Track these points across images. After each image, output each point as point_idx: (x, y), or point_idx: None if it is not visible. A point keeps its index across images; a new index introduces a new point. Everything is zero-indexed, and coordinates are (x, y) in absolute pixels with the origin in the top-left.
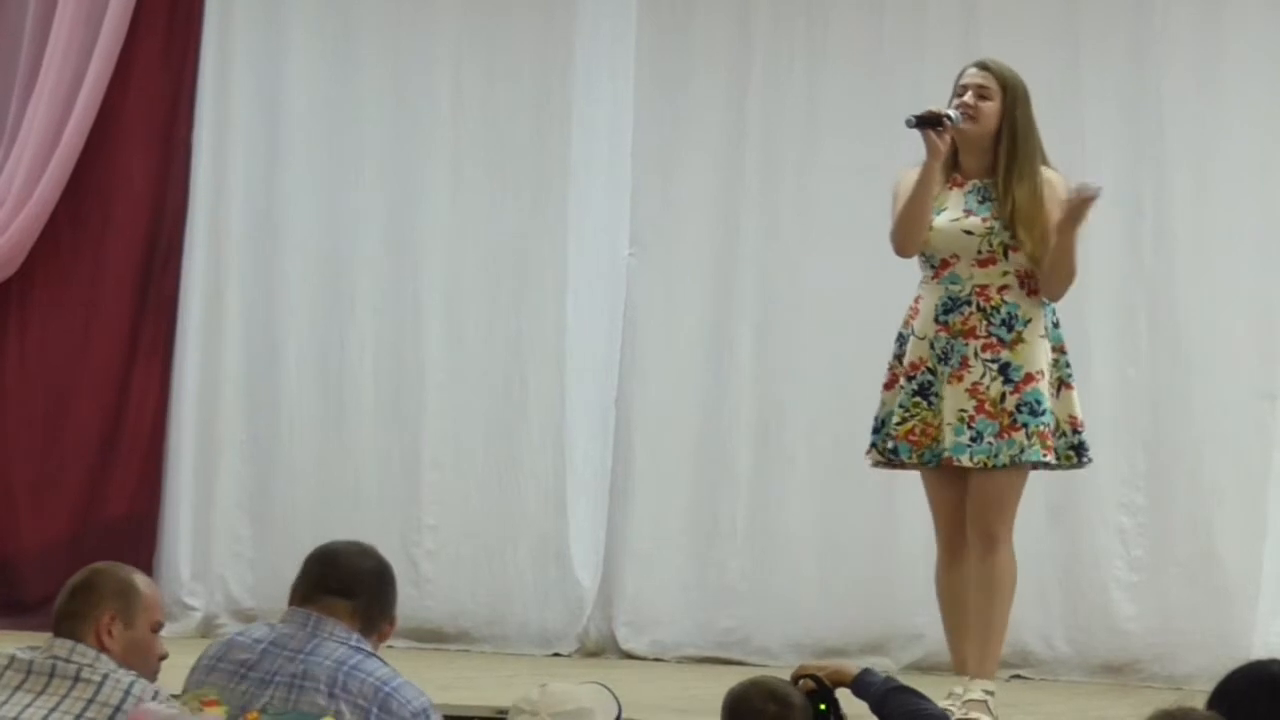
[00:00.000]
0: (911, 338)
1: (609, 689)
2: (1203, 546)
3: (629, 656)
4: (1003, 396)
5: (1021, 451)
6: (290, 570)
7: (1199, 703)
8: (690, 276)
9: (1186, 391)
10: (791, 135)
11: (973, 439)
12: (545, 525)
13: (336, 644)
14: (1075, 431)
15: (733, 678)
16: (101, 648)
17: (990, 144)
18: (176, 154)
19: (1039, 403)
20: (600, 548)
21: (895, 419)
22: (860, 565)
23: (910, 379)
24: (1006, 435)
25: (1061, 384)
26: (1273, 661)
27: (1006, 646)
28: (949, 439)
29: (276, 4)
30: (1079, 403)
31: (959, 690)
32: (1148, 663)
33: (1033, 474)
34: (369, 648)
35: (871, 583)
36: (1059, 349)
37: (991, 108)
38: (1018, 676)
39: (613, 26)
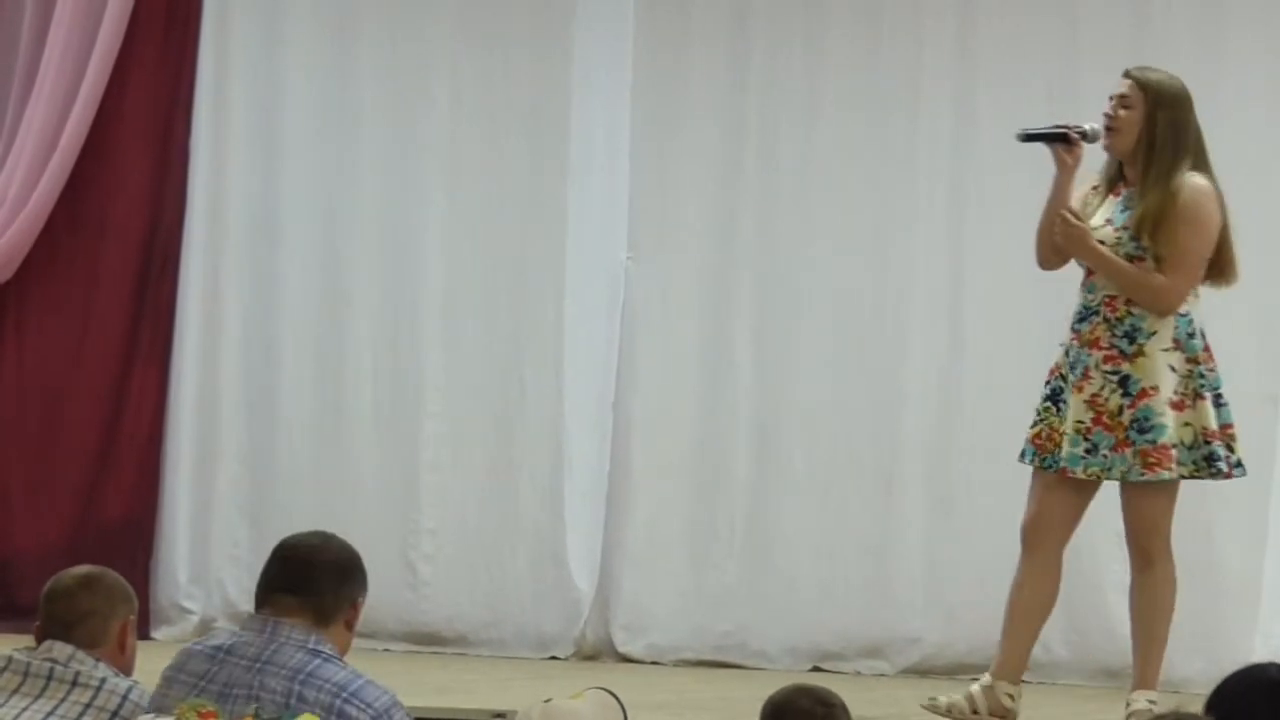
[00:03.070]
0: (1060, 345)
1: (615, 696)
2: (1203, 550)
3: (626, 660)
4: (1120, 409)
5: (1129, 470)
6: None
7: (1197, 707)
8: (688, 281)
9: None
10: (790, 140)
11: (1088, 451)
12: (543, 529)
13: (294, 649)
14: (1206, 442)
15: (729, 681)
16: (120, 649)
17: (1139, 151)
18: (174, 157)
19: (1147, 419)
20: (597, 551)
21: (1030, 422)
22: (858, 569)
23: (1046, 384)
24: (1120, 450)
25: (1196, 395)
26: (1270, 665)
27: (1001, 650)
28: (1066, 449)
29: (274, 6)
30: (1216, 413)
31: (975, 690)
32: None
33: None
34: (328, 649)
35: (869, 586)
36: (1194, 359)
37: (1131, 116)
38: None
39: (610, 30)
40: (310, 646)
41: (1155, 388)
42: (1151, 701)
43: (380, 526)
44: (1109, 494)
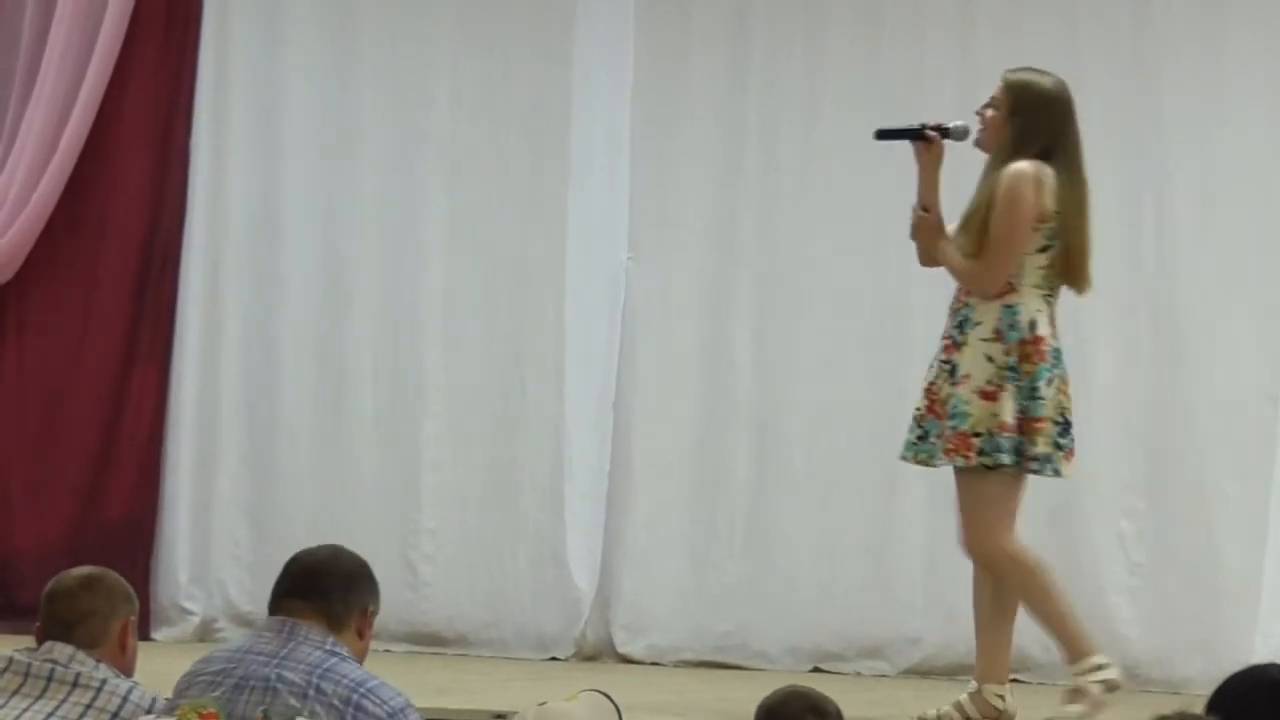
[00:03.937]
0: None
1: (609, 697)
2: (1204, 550)
3: (626, 660)
4: (949, 398)
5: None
6: None
7: (1198, 707)
8: (688, 281)
9: (1188, 394)
10: (790, 140)
11: (920, 438)
12: (543, 529)
13: (312, 648)
14: (991, 435)
15: (729, 681)
16: (121, 650)
17: (998, 150)
18: (174, 158)
19: (956, 407)
20: (598, 552)
21: None
22: (858, 569)
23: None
24: (942, 436)
25: (1000, 387)
26: (1271, 665)
27: (979, 655)
28: (905, 436)
29: (274, 6)
30: (1017, 406)
31: (964, 699)
32: (1146, 667)
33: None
34: (345, 651)
35: (869, 587)
36: (1009, 350)
37: (996, 117)
38: (1015, 680)
39: (610, 30)
40: (327, 647)
41: (968, 376)
42: (1098, 666)
43: (380, 527)
44: (1107, 495)
